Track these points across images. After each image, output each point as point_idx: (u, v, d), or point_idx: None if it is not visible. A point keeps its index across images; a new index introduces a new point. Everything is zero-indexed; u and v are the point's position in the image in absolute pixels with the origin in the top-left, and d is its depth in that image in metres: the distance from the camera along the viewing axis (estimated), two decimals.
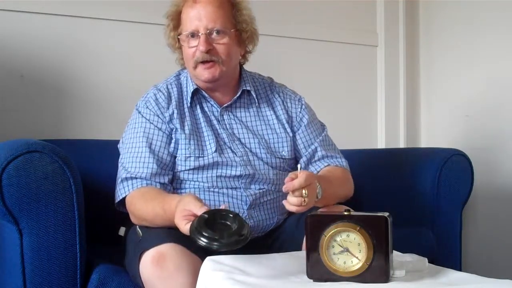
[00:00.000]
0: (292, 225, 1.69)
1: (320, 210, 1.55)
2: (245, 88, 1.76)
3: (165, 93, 1.72)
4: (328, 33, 2.83)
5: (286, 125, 1.77)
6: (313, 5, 2.79)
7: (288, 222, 1.73)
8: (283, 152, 1.75)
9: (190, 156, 1.65)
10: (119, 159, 1.70)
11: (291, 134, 1.77)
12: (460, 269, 2.03)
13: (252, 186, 1.68)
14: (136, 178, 1.63)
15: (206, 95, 1.73)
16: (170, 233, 1.50)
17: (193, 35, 1.66)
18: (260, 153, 1.71)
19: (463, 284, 1.24)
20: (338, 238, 1.26)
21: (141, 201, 1.59)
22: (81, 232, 1.54)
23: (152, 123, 1.68)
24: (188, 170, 1.66)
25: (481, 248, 2.70)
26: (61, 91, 2.24)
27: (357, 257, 1.25)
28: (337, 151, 1.84)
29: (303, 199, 1.44)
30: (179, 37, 1.71)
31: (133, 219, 1.63)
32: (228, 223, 1.39)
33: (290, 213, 1.72)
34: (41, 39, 2.20)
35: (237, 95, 1.75)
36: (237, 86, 1.77)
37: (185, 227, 1.40)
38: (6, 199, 1.45)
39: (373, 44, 2.97)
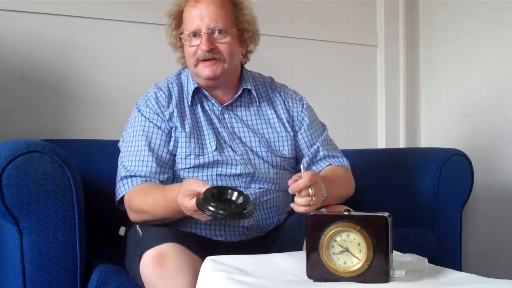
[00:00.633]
0: (292, 225, 1.69)
1: (321, 209, 1.55)
2: (246, 87, 1.76)
3: (166, 92, 1.72)
4: (328, 33, 2.83)
5: (287, 124, 1.78)
6: (313, 5, 2.80)
7: (288, 222, 1.73)
8: (284, 151, 1.75)
9: (190, 154, 1.65)
10: (119, 157, 1.70)
11: (291, 133, 1.77)
12: (460, 269, 2.03)
13: (252, 185, 1.68)
14: (136, 176, 1.63)
15: (207, 93, 1.73)
16: (170, 232, 1.50)
17: (195, 34, 1.67)
18: (261, 151, 1.71)
19: (463, 284, 1.24)
20: (338, 238, 1.26)
21: (141, 195, 1.59)
22: (81, 232, 1.54)
23: (152, 122, 1.68)
24: (188, 168, 1.66)
25: (481, 248, 2.69)
26: (61, 91, 2.24)
27: (357, 257, 1.24)
28: (338, 150, 1.84)
29: (310, 198, 1.44)
30: (180, 36, 1.71)
31: (131, 216, 1.63)
32: (233, 198, 1.41)
33: (290, 213, 1.73)
34: (41, 39, 2.20)
35: (238, 93, 1.75)
36: (238, 85, 1.77)
37: (189, 203, 1.40)
38: (6, 199, 1.45)
39: (373, 44, 2.97)
